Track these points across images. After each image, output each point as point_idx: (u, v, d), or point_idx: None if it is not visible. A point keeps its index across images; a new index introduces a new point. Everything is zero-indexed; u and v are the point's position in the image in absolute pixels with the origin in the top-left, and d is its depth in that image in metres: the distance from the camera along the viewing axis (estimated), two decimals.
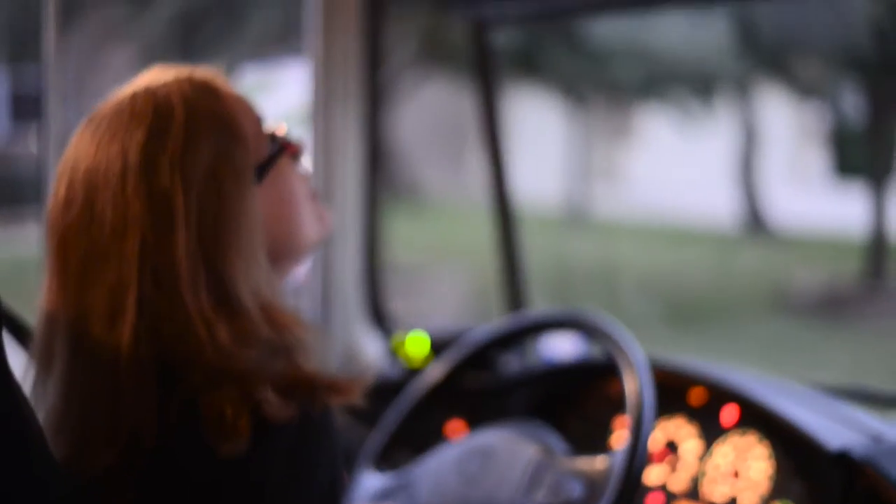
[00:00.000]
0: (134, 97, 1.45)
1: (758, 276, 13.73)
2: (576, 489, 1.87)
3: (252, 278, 1.43)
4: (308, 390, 1.40)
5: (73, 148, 1.46)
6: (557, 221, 17.36)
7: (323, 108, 2.91)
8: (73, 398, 1.41)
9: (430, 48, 12.94)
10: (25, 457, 1.31)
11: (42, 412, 1.43)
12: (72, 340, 1.41)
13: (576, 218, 17.69)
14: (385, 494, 2.08)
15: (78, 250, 1.41)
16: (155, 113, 1.43)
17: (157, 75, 1.50)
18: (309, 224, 1.54)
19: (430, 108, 17.95)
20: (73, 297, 1.41)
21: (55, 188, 1.46)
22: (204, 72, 1.51)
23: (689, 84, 14.29)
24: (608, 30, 12.69)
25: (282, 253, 1.50)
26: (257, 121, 1.51)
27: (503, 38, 11.59)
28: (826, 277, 13.31)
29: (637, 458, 1.84)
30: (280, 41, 10.74)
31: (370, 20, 2.99)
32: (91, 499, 1.37)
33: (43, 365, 1.44)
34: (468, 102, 3.16)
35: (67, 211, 1.42)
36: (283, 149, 1.52)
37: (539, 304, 3.29)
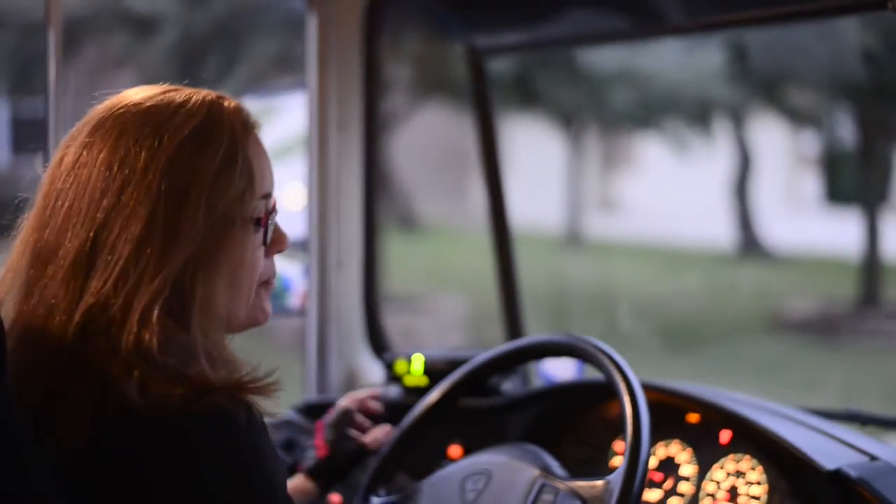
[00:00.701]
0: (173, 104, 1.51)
1: (753, 298, 13.75)
2: None
3: (222, 311, 1.49)
4: (222, 391, 1.43)
5: (75, 134, 1.52)
6: (556, 246, 17.37)
7: (321, 136, 2.94)
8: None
9: (428, 76, 12.98)
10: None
11: None
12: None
13: (574, 242, 17.70)
14: None
15: (62, 202, 1.47)
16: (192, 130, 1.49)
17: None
18: (244, 306, 1.57)
19: (431, 135, 17.99)
20: (39, 241, 1.48)
21: (56, 157, 1.52)
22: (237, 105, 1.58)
23: (684, 111, 14.33)
24: (604, 57, 12.73)
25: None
26: (270, 178, 1.57)
27: (499, 66, 11.63)
28: (820, 299, 13.34)
29: (635, 480, 1.86)
30: (281, 70, 10.77)
31: (368, 50, 3.03)
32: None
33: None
34: (469, 129, 3.18)
35: (61, 176, 1.49)
36: (264, 219, 1.55)
37: (538, 326, 3.31)
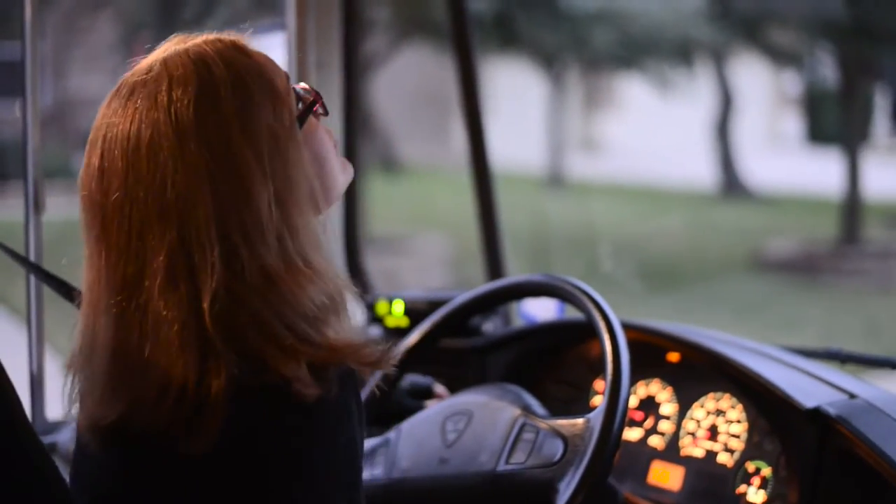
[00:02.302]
0: (166, 62, 1.43)
1: (734, 238, 13.81)
2: (557, 449, 1.89)
3: (312, 233, 1.44)
4: (341, 363, 1.41)
5: (103, 118, 1.43)
6: (538, 186, 17.39)
7: (300, 77, 2.92)
8: (122, 364, 1.39)
9: (408, 17, 12.92)
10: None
11: (85, 380, 1.43)
12: (118, 308, 1.39)
13: (556, 182, 17.71)
14: (366, 457, 2.09)
15: (124, 220, 1.38)
16: (197, 74, 1.41)
17: (179, 43, 1.48)
18: (338, 174, 1.55)
19: (414, 77, 17.93)
20: (120, 267, 1.39)
21: (87, 160, 1.43)
22: (228, 35, 1.51)
23: (666, 51, 14.31)
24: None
25: (318, 207, 1.49)
26: (286, 77, 1.50)
27: (479, 6, 11.57)
28: (801, 238, 13.39)
29: (615, 418, 1.86)
30: (260, 11, 10.71)
31: None
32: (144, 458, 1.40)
33: (87, 337, 1.43)
34: (451, 72, 3.15)
35: (106, 182, 1.40)
36: (314, 103, 1.52)
37: (519, 267, 3.31)
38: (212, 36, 1.49)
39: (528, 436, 1.94)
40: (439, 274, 12.02)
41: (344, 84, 3.03)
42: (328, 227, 1.52)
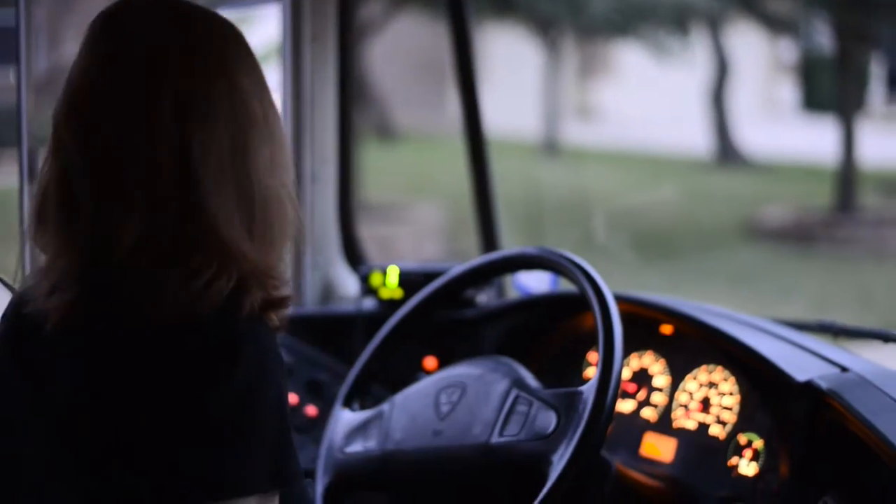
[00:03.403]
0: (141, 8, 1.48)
1: (729, 206, 13.80)
2: (550, 422, 1.90)
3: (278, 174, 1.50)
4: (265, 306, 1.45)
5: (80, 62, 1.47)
6: (533, 153, 17.36)
7: (295, 49, 2.92)
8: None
9: None
10: None
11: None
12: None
13: (551, 150, 17.69)
14: (360, 429, 2.10)
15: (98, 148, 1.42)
16: (177, 21, 1.47)
17: None
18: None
19: (408, 43, 17.88)
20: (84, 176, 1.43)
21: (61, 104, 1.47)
22: None
23: (662, 17, 14.27)
24: None
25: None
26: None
27: None
28: (796, 207, 13.39)
29: (608, 390, 1.87)
30: None
31: None
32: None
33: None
34: (446, 38, 3.14)
35: (77, 117, 1.44)
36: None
37: (513, 235, 3.31)
38: None
39: (521, 408, 1.95)
40: (434, 242, 12.01)
41: (339, 56, 3.02)
42: None
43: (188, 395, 1.38)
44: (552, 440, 1.88)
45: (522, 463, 1.91)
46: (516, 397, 1.98)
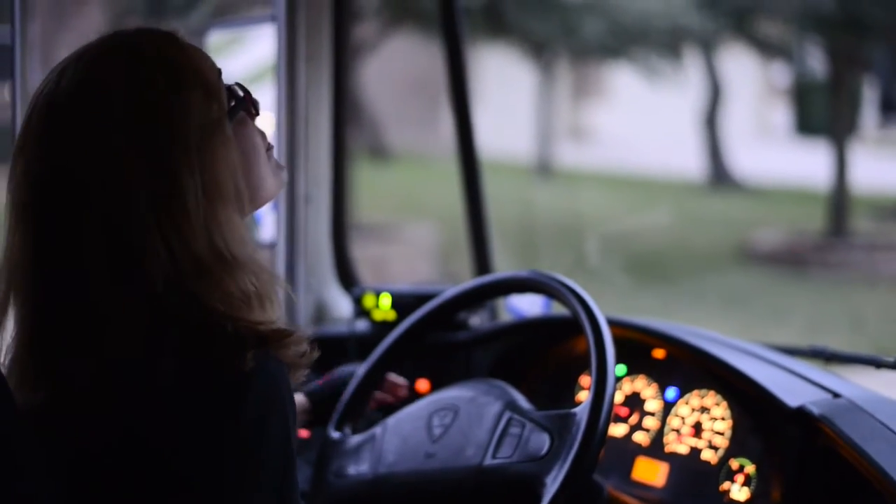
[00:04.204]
0: (100, 52, 1.45)
1: (721, 229, 13.81)
2: (543, 443, 1.90)
3: (237, 229, 1.46)
4: (262, 343, 1.43)
5: (37, 102, 1.45)
6: (526, 175, 17.37)
7: (290, 69, 2.92)
8: (46, 344, 1.43)
9: (396, 3, 12.88)
10: None
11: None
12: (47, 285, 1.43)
13: (544, 171, 17.70)
14: (351, 453, 2.10)
15: (61, 198, 1.41)
16: (128, 64, 1.44)
17: (114, 34, 1.49)
18: (268, 177, 1.56)
19: (402, 64, 17.89)
20: (52, 245, 1.42)
21: (20, 138, 1.45)
22: (163, 28, 1.52)
23: (655, 41, 14.30)
24: None
25: (242, 206, 1.51)
26: (218, 73, 1.52)
27: None
28: (789, 230, 13.40)
29: (602, 411, 1.87)
30: (252, 1, 10.67)
31: None
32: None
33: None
34: (440, 59, 3.15)
35: (46, 164, 1.42)
36: (244, 101, 1.53)
37: (506, 257, 3.30)
38: (146, 27, 1.51)
39: (514, 430, 1.95)
40: (427, 263, 12.01)
41: (334, 76, 3.03)
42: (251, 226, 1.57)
43: (195, 433, 1.38)
44: (545, 462, 1.88)
45: (516, 485, 1.90)
46: (509, 419, 1.98)
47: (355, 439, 2.12)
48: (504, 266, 2.84)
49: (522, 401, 2.03)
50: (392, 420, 2.11)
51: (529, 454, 1.90)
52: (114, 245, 1.40)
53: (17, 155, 1.46)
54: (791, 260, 12.20)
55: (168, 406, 1.39)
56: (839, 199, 12.90)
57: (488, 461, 1.94)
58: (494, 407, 2.01)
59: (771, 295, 11.06)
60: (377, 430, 2.10)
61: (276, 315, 1.49)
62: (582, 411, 1.89)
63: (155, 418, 1.39)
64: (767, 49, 15.46)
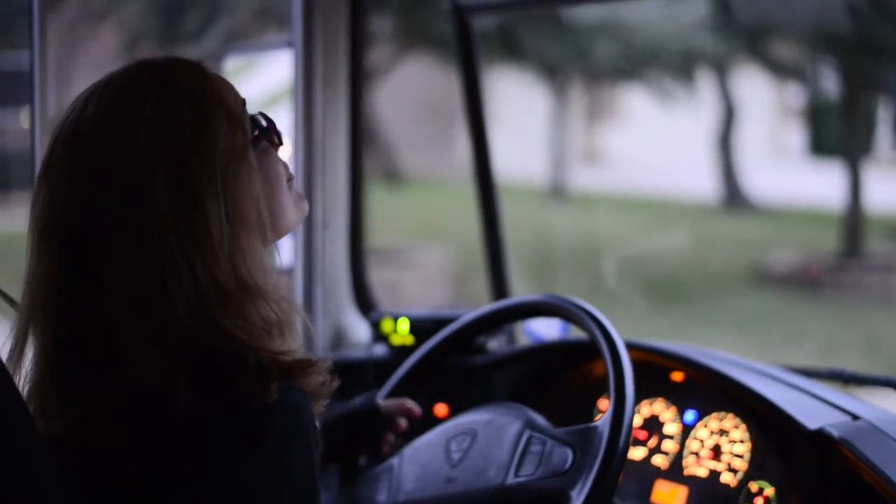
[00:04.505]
0: (127, 79, 1.46)
1: (736, 251, 13.79)
2: (566, 458, 1.90)
3: (259, 257, 1.47)
4: (285, 373, 1.43)
5: (67, 122, 1.46)
6: (540, 198, 17.38)
7: (307, 95, 2.93)
8: (68, 372, 1.43)
9: (409, 27, 12.92)
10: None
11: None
12: (70, 313, 1.43)
13: (558, 194, 17.71)
14: (368, 483, 2.09)
15: (84, 225, 1.42)
16: (156, 93, 1.44)
17: (141, 63, 1.51)
18: (289, 207, 1.57)
19: (415, 87, 17.93)
20: (75, 271, 1.42)
21: (49, 165, 1.46)
22: (188, 56, 1.54)
23: (668, 63, 14.31)
24: (587, 9, 12.67)
25: (265, 234, 1.52)
26: (243, 102, 1.53)
27: (484, 18, 11.54)
28: (803, 252, 13.38)
29: (623, 422, 1.87)
30: (263, 24, 10.70)
31: (354, 4, 3.02)
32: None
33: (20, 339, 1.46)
34: (453, 80, 3.16)
35: (71, 190, 1.43)
36: (267, 131, 1.55)
37: (522, 280, 3.30)
38: (173, 57, 1.52)
39: (535, 448, 1.95)
40: (442, 287, 12.01)
41: (351, 101, 3.04)
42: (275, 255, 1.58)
43: (217, 464, 1.38)
44: (569, 476, 1.87)
45: (541, 501, 1.89)
46: (529, 437, 1.97)
47: (373, 472, 2.12)
48: (521, 290, 2.84)
49: (541, 419, 2.03)
50: (409, 449, 2.11)
51: (552, 470, 1.90)
52: (137, 272, 1.40)
53: (40, 181, 1.47)
54: (805, 281, 12.19)
55: (189, 437, 1.39)
56: (853, 221, 12.88)
57: (511, 480, 1.93)
58: (513, 427, 2.01)
59: (785, 317, 11.04)
60: (394, 460, 2.10)
61: (296, 344, 1.50)
62: (604, 423, 1.90)
63: (175, 449, 1.39)
64: (781, 70, 15.45)
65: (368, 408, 2.17)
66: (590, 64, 14.99)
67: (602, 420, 1.90)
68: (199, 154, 1.43)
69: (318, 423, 1.59)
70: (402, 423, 2.20)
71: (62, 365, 1.44)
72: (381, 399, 2.22)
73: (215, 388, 1.40)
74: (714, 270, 12.99)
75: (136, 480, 1.40)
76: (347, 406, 2.18)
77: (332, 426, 2.13)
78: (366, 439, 2.17)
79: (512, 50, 13.74)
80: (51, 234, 1.44)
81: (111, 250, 1.41)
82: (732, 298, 11.54)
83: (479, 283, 3.39)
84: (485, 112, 3.10)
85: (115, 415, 1.40)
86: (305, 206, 1.62)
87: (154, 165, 1.41)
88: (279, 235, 1.57)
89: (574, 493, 1.84)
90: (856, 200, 12.88)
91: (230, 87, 1.52)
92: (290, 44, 2.93)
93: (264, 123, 1.54)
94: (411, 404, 2.20)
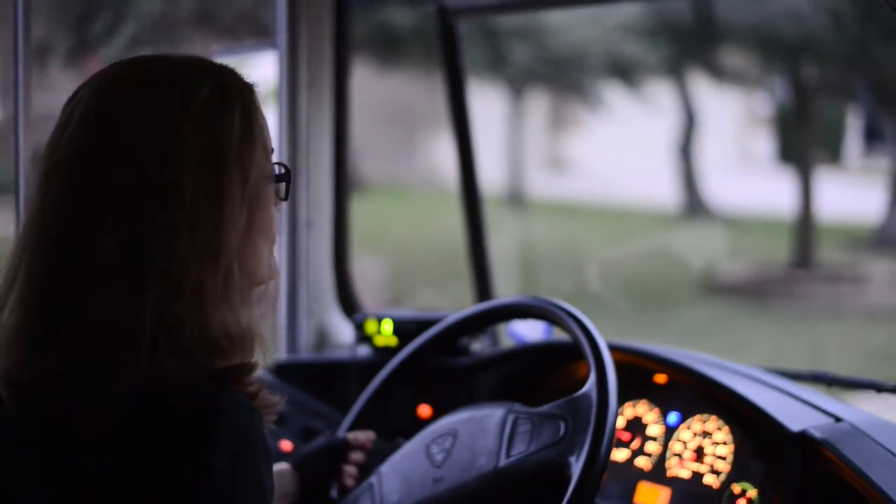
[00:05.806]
0: (184, 73, 1.46)
1: (690, 259, 13.77)
2: (557, 428, 1.90)
3: (263, 261, 1.49)
4: (233, 381, 1.43)
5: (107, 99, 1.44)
6: (497, 205, 17.33)
7: (292, 92, 2.95)
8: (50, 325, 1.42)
9: (372, 34, 12.83)
10: None
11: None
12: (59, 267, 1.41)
13: (516, 202, 17.66)
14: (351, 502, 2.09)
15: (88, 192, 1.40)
16: (212, 93, 1.45)
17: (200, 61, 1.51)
18: (265, 261, 1.53)
19: (378, 95, 17.88)
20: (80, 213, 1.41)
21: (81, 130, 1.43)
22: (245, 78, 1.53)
23: (597, 68, 14.16)
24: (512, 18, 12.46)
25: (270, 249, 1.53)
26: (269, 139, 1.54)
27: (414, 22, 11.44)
28: (755, 262, 13.38)
29: (609, 385, 1.89)
30: (246, 28, 10.64)
31: (339, 7, 3.02)
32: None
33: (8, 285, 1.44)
34: (419, 90, 3.16)
35: (93, 157, 1.41)
36: (282, 178, 1.54)
37: (456, 288, 3.26)
38: (229, 67, 1.53)
39: (523, 427, 1.95)
40: (374, 296, 11.90)
41: (335, 102, 3.05)
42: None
43: (164, 480, 1.37)
44: (565, 442, 1.88)
45: (540, 473, 1.90)
46: (515, 419, 1.98)
47: (351, 495, 2.09)
48: (439, 298, 2.85)
49: (522, 405, 2.04)
50: (385, 466, 2.09)
51: (546, 442, 1.90)
52: (132, 244, 1.39)
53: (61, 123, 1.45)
54: (755, 291, 12.17)
55: (137, 413, 1.38)
56: (804, 230, 12.86)
57: (503, 462, 1.93)
58: (496, 415, 2.02)
59: (732, 327, 11.04)
60: (372, 479, 2.09)
61: (261, 355, 1.48)
62: (589, 389, 1.92)
63: (126, 425, 1.38)
64: (728, 78, 15.30)
65: (336, 442, 2.15)
66: (509, 69, 14.76)
67: (587, 386, 1.92)
68: (240, 161, 1.44)
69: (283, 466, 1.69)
70: (358, 456, 2.17)
71: (39, 318, 1.41)
72: (345, 431, 2.21)
73: (165, 381, 1.37)
74: (665, 280, 12.98)
75: (89, 442, 1.39)
76: (313, 443, 2.16)
77: (302, 463, 2.11)
78: (334, 472, 2.14)
79: (478, 59, 13.65)
80: (60, 172, 1.42)
81: (116, 214, 1.39)
82: (681, 308, 11.54)
83: (406, 292, 3.39)
84: (470, 117, 3.12)
85: (74, 378, 1.39)
86: (277, 273, 1.59)
87: (190, 161, 1.40)
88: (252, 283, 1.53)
89: (573, 459, 1.85)
90: (806, 209, 12.85)
91: (263, 116, 1.53)
92: (274, 45, 2.94)
93: (282, 170, 1.54)
94: (372, 436, 2.20)
